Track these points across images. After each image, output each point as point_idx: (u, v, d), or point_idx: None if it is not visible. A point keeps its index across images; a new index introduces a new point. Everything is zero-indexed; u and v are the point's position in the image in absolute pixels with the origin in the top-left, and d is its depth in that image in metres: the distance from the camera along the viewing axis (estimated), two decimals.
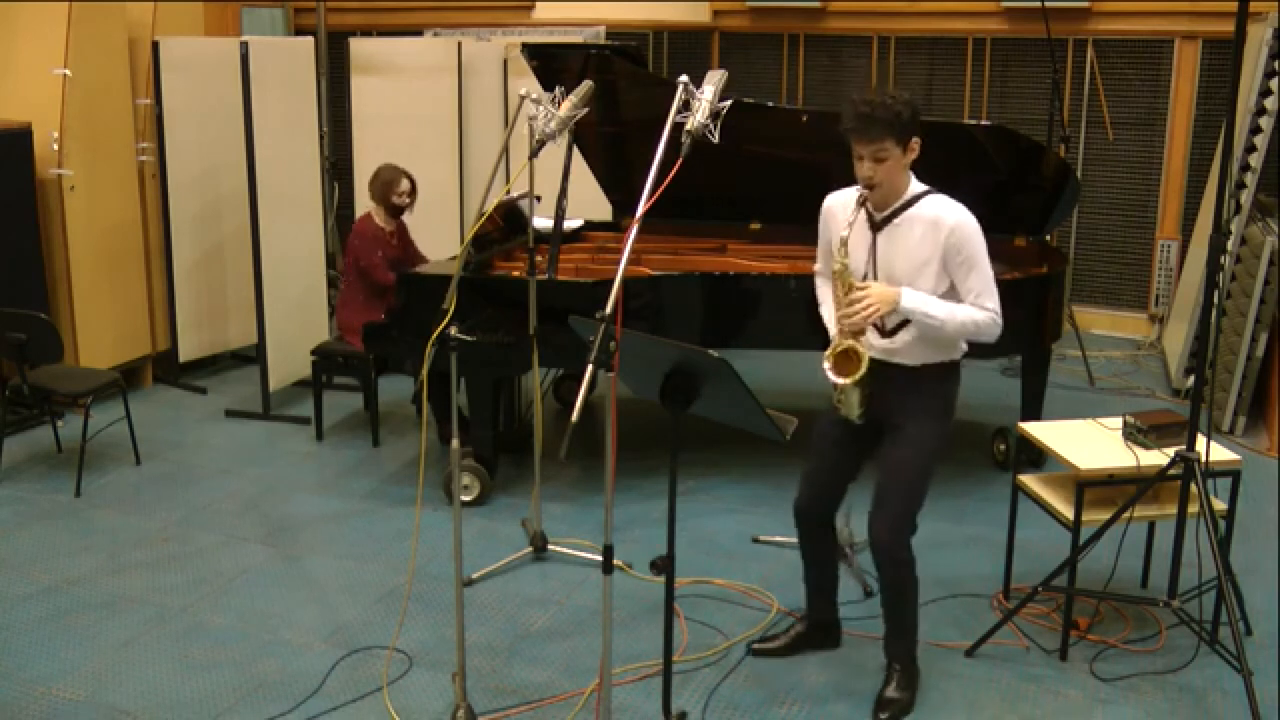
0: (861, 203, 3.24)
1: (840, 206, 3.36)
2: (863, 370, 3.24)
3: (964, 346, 3.38)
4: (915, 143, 3.20)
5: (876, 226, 3.29)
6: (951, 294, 3.26)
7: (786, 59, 8.26)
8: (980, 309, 3.22)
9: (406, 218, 5.77)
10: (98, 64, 6.03)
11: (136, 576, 4.35)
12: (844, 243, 3.25)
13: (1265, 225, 5.87)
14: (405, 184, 5.63)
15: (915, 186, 3.27)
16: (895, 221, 3.26)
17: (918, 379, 3.33)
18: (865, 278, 3.32)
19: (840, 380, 3.27)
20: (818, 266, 3.61)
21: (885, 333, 3.32)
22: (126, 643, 3.88)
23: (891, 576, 3.45)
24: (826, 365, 3.28)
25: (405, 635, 3.88)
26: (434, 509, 4.88)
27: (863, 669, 3.69)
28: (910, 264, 3.24)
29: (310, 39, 6.46)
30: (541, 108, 3.96)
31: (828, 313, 3.51)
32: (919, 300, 3.20)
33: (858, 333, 3.28)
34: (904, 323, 3.27)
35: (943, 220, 3.20)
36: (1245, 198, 6.03)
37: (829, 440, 3.50)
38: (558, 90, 3.99)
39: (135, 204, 6.39)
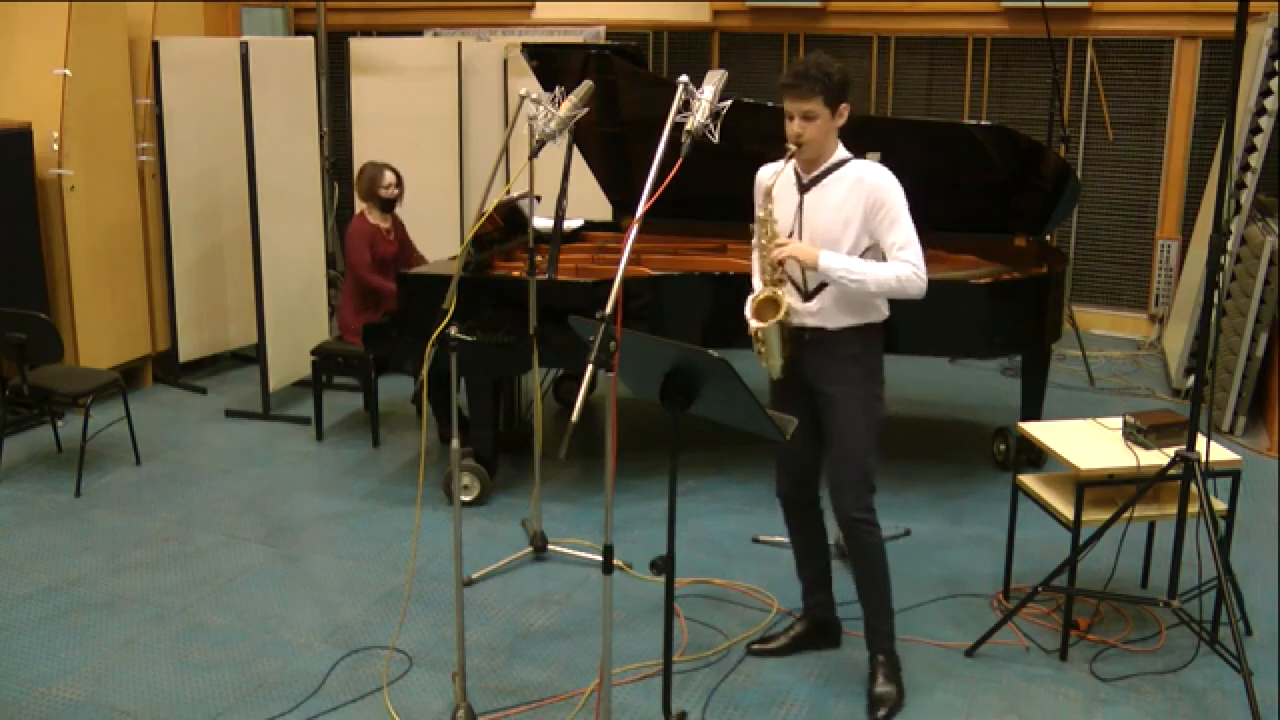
0: (789, 157, 3.36)
1: (768, 173, 3.49)
2: (780, 314, 3.35)
3: (885, 310, 3.47)
4: (844, 109, 3.34)
5: (804, 187, 3.42)
6: (872, 254, 3.37)
7: (786, 59, 8.25)
8: (901, 262, 3.31)
9: (402, 214, 5.78)
10: (98, 64, 6.04)
11: (136, 576, 4.36)
12: (768, 193, 3.42)
13: (1265, 225, 5.87)
14: (389, 176, 5.65)
15: (842, 153, 3.42)
16: (822, 183, 3.39)
17: (838, 343, 3.42)
18: (791, 236, 3.44)
19: (758, 323, 3.40)
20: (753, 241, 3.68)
21: (805, 295, 3.42)
22: (126, 643, 3.88)
23: (856, 545, 3.49)
24: (748, 311, 3.45)
25: (405, 635, 3.88)
26: (434, 509, 4.88)
27: (863, 669, 3.67)
28: (832, 222, 3.36)
29: (310, 39, 6.46)
30: (541, 108, 3.96)
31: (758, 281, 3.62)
32: (838, 260, 3.31)
33: (778, 282, 3.41)
34: (822, 286, 3.38)
35: (864, 179, 3.35)
36: (1245, 198, 6.03)
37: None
38: (558, 90, 3.99)
39: (135, 204, 6.39)
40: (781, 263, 3.38)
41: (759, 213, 3.44)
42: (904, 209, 3.34)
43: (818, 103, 3.26)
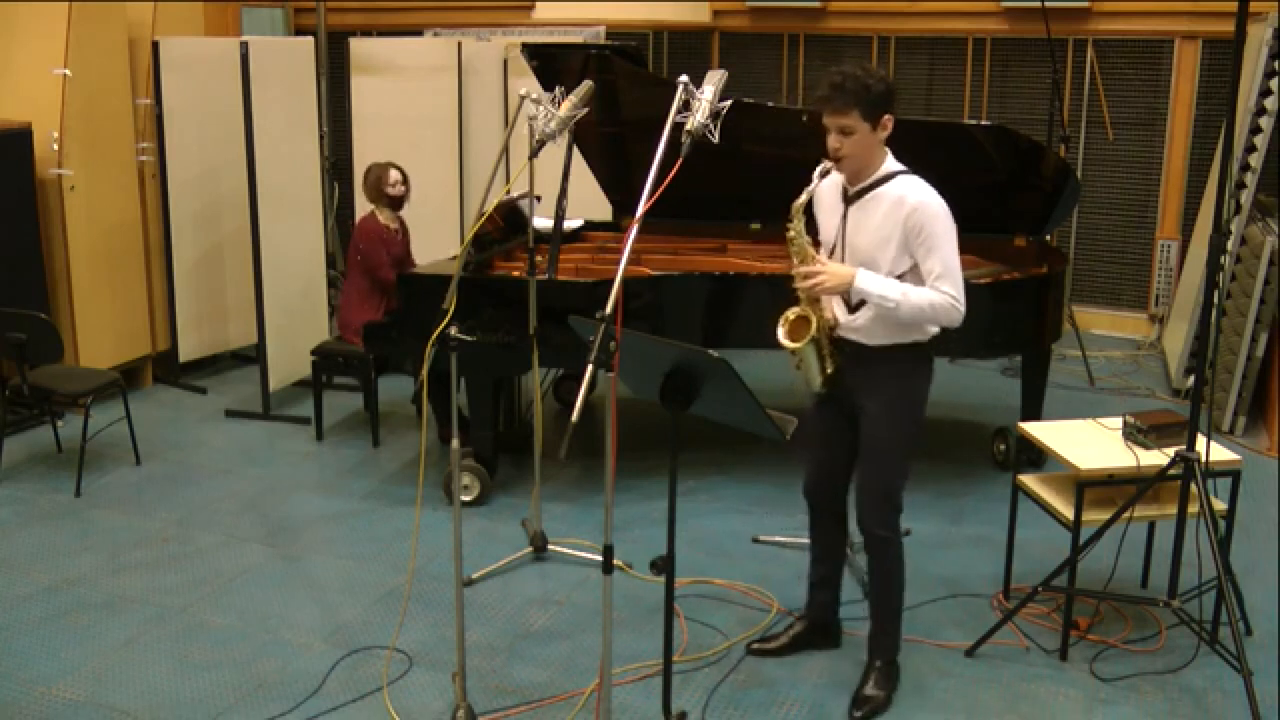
0: (823, 174, 3.29)
1: (825, 186, 3.41)
2: (811, 334, 3.28)
3: (932, 330, 3.37)
4: (887, 120, 3.21)
5: (849, 200, 3.34)
6: (914, 275, 3.27)
7: (786, 59, 8.26)
8: (938, 292, 3.22)
9: (406, 212, 5.78)
10: (98, 64, 6.03)
11: (136, 576, 4.36)
12: (799, 211, 3.29)
13: (1265, 225, 5.87)
14: (394, 174, 5.65)
15: (891, 165, 3.30)
16: (866, 197, 3.29)
17: (879, 360, 3.35)
18: (835, 248, 3.37)
19: (789, 343, 3.32)
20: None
21: (850, 308, 3.35)
22: (126, 643, 3.88)
23: (877, 559, 3.48)
24: (781, 330, 3.34)
25: (405, 635, 3.88)
26: (434, 509, 4.88)
27: (863, 669, 3.68)
28: (872, 240, 3.28)
29: (310, 39, 6.46)
30: (541, 108, 3.95)
31: None
32: (873, 282, 3.22)
33: (813, 300, 3.34)
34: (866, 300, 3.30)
35: (906, 199, 3.22)
36: (1245, 198, 6.03)
37: (816, 425, 3.53)
38: (558, 90, 3.99)
39: (135, 204, 6.39)
40: (810, 277, 3.27)
41: (789, 232, 3.33)
42: (945, 235, 3.21)
43: (855, 116, 3.15)
